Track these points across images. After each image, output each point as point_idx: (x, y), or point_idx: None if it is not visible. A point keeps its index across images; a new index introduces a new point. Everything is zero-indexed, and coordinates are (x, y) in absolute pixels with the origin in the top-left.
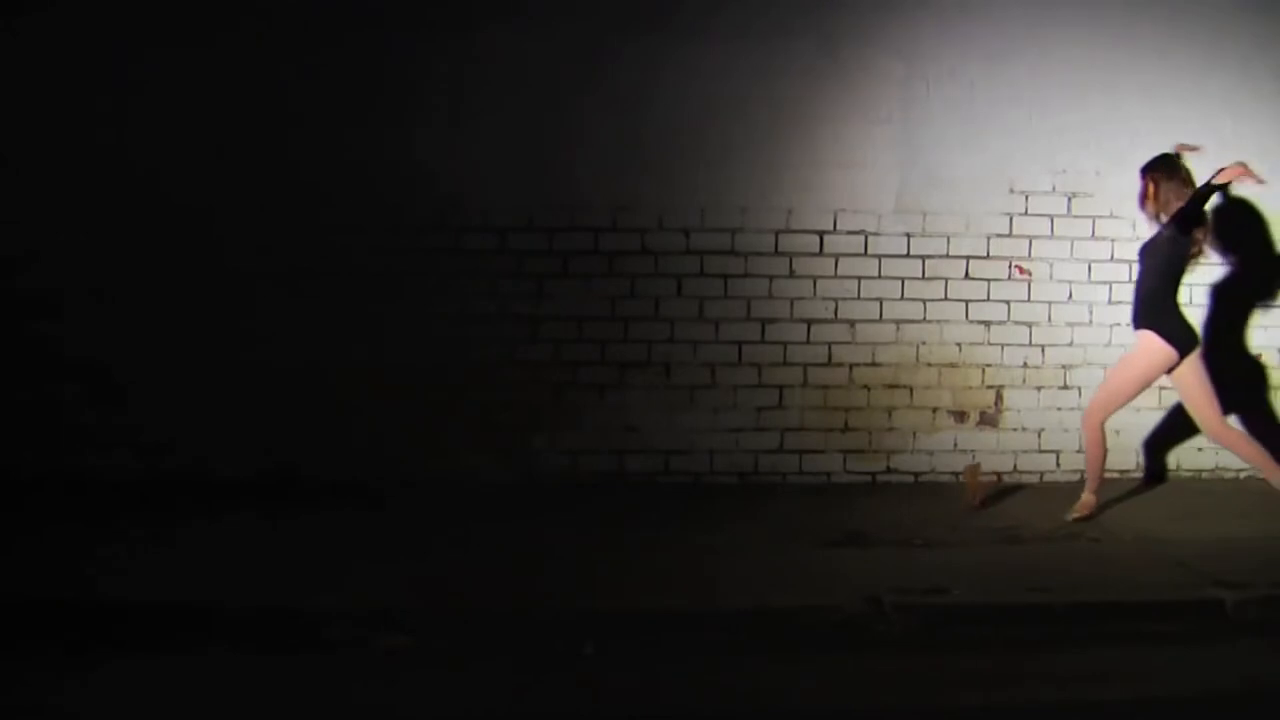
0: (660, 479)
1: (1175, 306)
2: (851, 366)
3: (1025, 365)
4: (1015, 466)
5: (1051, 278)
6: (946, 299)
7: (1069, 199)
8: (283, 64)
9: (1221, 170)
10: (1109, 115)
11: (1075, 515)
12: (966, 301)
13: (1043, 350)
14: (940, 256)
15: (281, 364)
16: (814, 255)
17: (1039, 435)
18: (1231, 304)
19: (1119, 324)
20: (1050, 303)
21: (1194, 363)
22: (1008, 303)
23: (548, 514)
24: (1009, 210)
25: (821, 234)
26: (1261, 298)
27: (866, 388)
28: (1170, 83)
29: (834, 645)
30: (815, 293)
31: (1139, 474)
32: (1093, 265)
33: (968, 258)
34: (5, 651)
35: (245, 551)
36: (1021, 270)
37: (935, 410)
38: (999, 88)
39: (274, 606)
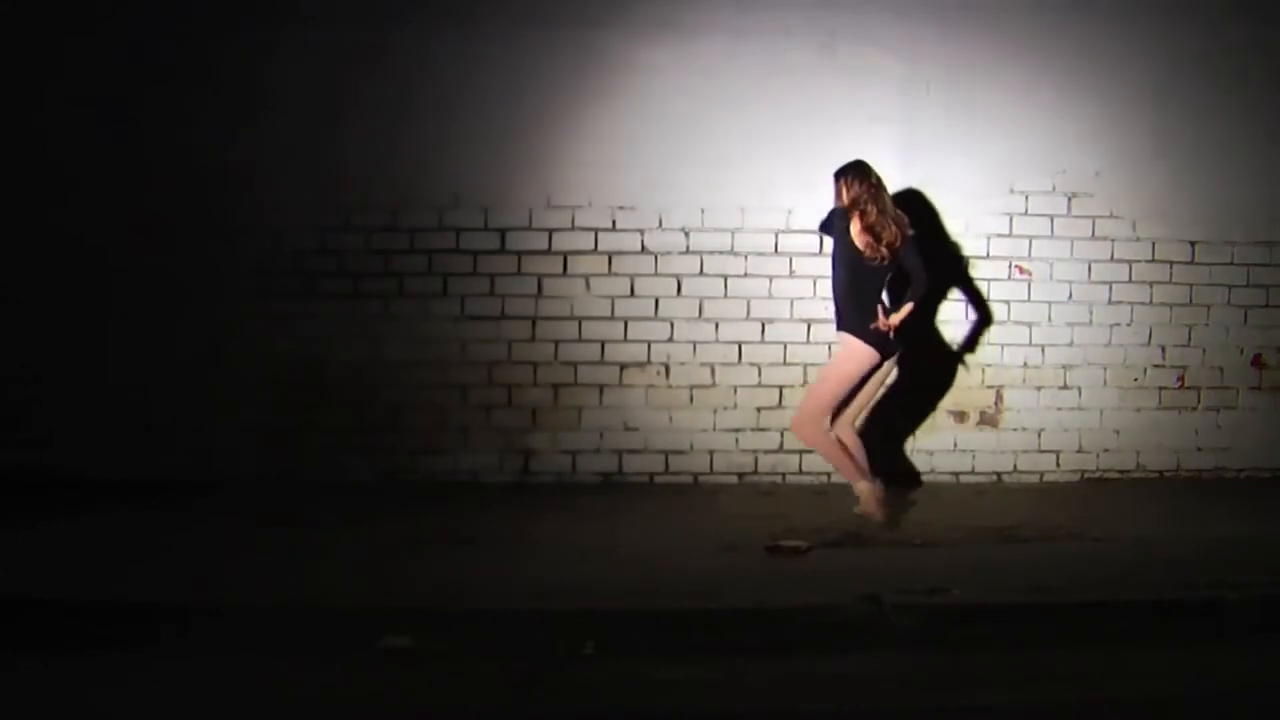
0: (659, 479)
1: (870, 308)
2: None
3: (1025, 365)
4: (1015, 466)
5: (1051, 278)
6: (947, 299)
7: (1069, 199)
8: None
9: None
10: (1109, 115)
11: (859, 510)
12: (967, 302)
13: (1042, 350)
14: None
15: (279, 366)
16: (813, 255)
17: (1039, 435)
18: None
19: (1119, 324)
20: (1050, 303)
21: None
22: (1008, 303)
23: (547, 512)
24: (1009, 210)
25: (821, 234)
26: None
27: None
28: (1170, 84)
29: (834, 645)
30: (815, 293)
31: (1138, 474)
32: (1093, 265)
33: (968, 258)
34: None
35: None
36: (1021, 270)
37: (935, 410)
38: (999, 88)
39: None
